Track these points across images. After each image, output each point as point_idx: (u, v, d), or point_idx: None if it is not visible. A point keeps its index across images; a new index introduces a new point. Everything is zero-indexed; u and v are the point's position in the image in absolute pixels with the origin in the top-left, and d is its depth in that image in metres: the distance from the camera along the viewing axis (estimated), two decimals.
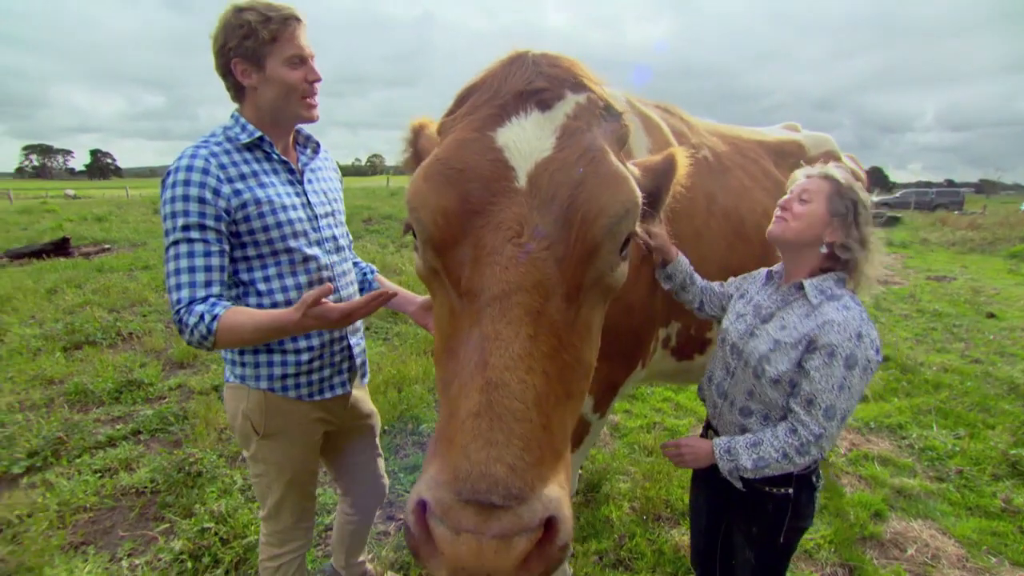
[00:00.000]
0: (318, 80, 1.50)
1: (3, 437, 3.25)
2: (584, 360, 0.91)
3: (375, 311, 1.32)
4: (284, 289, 1.47)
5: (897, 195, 32.52)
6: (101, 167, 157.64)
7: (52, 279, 7.16)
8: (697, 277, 1.82)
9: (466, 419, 0.69)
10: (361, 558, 2.17)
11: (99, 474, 2.93)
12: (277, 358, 1.52)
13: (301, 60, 1.45)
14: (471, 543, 0.64)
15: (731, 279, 1.80)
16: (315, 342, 1.55)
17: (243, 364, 1.53)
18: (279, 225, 1.45)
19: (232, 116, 1.50)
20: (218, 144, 1.43)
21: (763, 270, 1.70)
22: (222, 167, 1.39)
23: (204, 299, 1.31)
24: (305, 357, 1.54)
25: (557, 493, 0.70)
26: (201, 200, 1.34)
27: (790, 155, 2.46)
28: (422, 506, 0.69)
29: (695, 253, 1.88)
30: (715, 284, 1.81)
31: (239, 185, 1.41)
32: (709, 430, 1.75)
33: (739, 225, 2.04)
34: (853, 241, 1.46)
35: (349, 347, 1.67)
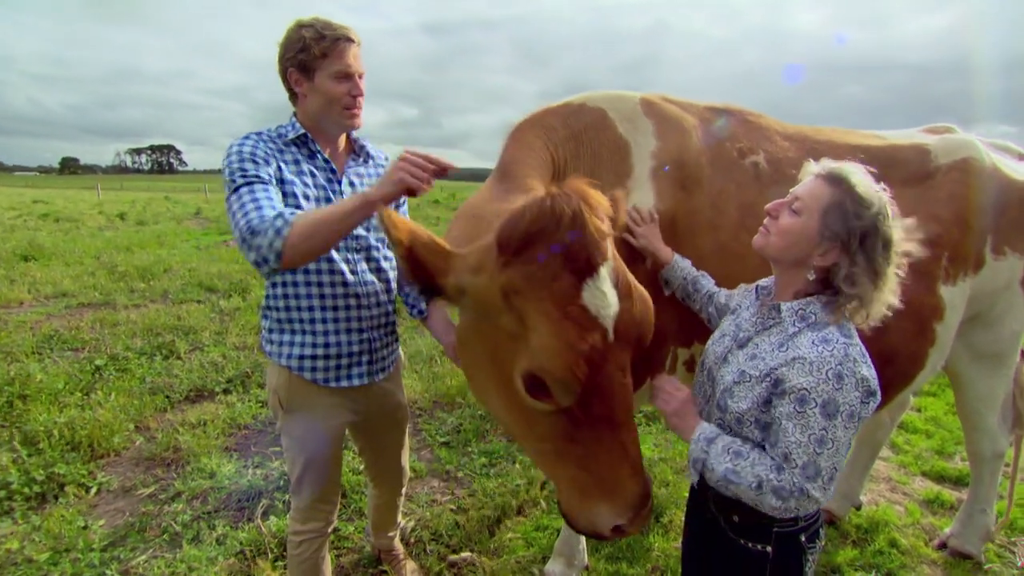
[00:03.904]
0: (360, 95, 1.63)
1: (220, 365, 4.48)
2: None
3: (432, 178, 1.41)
4: (292, 271, 1.61)
5: None
6: None
7: None
8: (705, 284, 1.62)
9: (626, 478, 1.22)
10: (391, 533, 2.33)
11: (261, 404, 3.84)
12: (297, 339, 1.65)
13: (347, 76, 1.59)
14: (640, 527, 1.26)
15: (739, 288, 1.54)
16: (331, 327, 1.67)
17: (270, 341, 1.69)
18: (297, 208, 1.53)
19: (290, 118, 1.69)
20: (268, 136, 1.62)
21: (759, 281, 1.45)
22: (268, 149, 1.57)
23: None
24: (320, 341, 1.66)
25: None
26: (255, 162, 1.52)
27: (906, 163, 1.98)
28: (617, 528, 1.22)
29: (720, 270, 1.69)
30: (723, 294, 1.58)
31: (282, 165, 1.58)
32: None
33: None
34: (860, 271, 1.16)
35: (370, 340, 1.74)
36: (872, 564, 2.49)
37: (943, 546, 2.61)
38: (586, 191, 1.16)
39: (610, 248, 1.17)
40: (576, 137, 1.70)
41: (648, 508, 1.25)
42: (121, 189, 50.67)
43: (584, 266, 1.11)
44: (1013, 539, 2.73)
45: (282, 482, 2.92)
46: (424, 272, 1.21)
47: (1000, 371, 2.30)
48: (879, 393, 1.16)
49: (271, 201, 1.46)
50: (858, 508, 2.84)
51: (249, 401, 3.86)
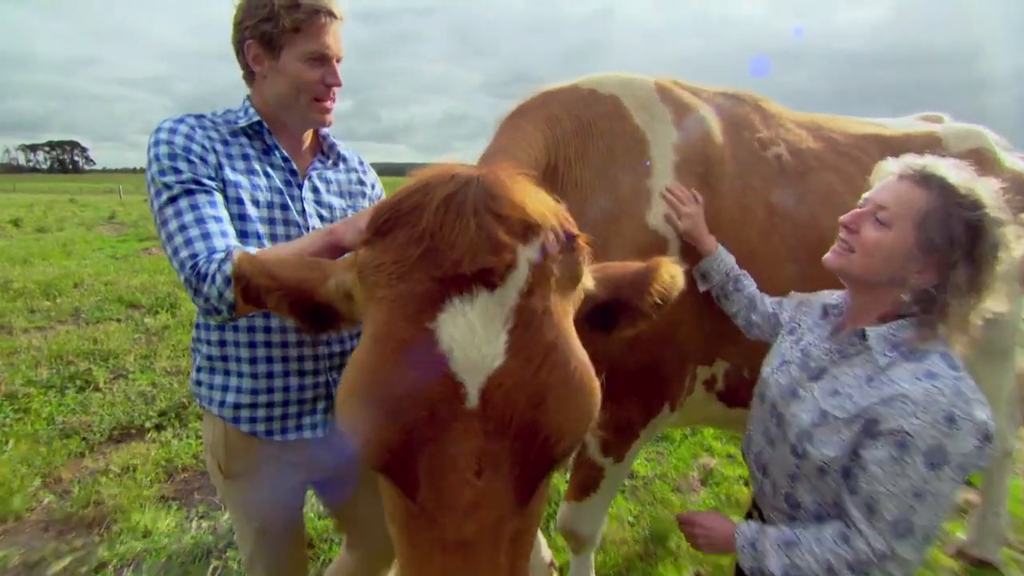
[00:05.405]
0: (337, 84, 1.35)
1: (149, 396, 3.91)
2: (537, 517, 0.84)
3: None
4: None
5: None
6: None
7: None
8: (747, 284, 1.46)
9: None
10: None
11: (202, 440, 3.35)
12: (233, 381, 1.35)
13: (322, 59, 1.30)
14: None
15: (791, 296, 1.40)
16: (276, 368, 1.35)
17: (199, 383, 1.39)
18: (242, 217, 1.28)
19: (243, 101, 1.39)
20: (212, 121, 1.32)
21: (821, 298, 1.28)
22: (208, 138, 1.28)
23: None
24: (263, 385, 1.35)
25: None
26: (189, 161, 1.23)
27: (920, 152, 1.89)
28: None
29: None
30: (768, 301, 1.43)
31: (224, 160, 1.29)
32: (754, 509, 1.38)
33: (818, 243, 1.60)
34: (957, 288, 1.01)
35: (327, 384, 1.42)
36: None
37: (960, 554, 2.56)
38: (506, 180, 0.79)
39: (526, 276, 0.75)
40: (585, 130, 1.47)
41: None
42: (14, 191, 45.47)
43: (450, 276, 0.73)
44: (1023, 539, 2.75)
45: (231, 535, 2.51)
46: (304, 294, 0.91)
47: (1005, 366, 2.30)
48: (994, 437, 1.00)
49: (220, 223, 1.18)
50: None
51: (188, 437, 3.36)
